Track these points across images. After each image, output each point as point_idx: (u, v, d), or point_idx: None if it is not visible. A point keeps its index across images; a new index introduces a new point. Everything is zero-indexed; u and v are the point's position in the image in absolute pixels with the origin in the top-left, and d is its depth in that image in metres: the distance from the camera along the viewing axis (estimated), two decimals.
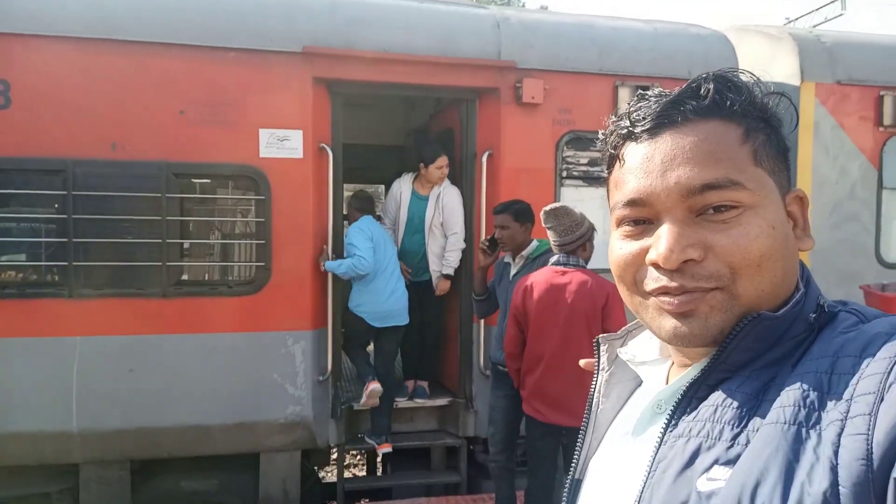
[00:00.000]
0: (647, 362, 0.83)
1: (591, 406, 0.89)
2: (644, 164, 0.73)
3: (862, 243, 4.96)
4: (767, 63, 5.24)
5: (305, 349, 4.22)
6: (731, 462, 0.63)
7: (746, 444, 0.64)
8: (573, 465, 0.88)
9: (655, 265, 0.72)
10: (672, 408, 0.73)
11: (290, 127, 4.20)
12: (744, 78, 0.75)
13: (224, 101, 4.08)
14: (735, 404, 0.67)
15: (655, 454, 0.72)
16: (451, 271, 4.67)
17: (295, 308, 4.21)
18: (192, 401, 4.05)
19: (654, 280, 0.72)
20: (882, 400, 0.57)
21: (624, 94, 4.71)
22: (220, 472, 4.33)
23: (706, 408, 0.69)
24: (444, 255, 4.66)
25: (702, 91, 0.73)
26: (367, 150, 6.99)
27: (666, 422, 0.73)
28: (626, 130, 0.76)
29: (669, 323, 0.72)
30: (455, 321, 4.84)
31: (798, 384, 0.63)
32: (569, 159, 4.70)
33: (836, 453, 0.57)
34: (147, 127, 3.99)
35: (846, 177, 4.94)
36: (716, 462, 0.65)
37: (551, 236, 3.27)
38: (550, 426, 3.17)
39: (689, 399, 0.72)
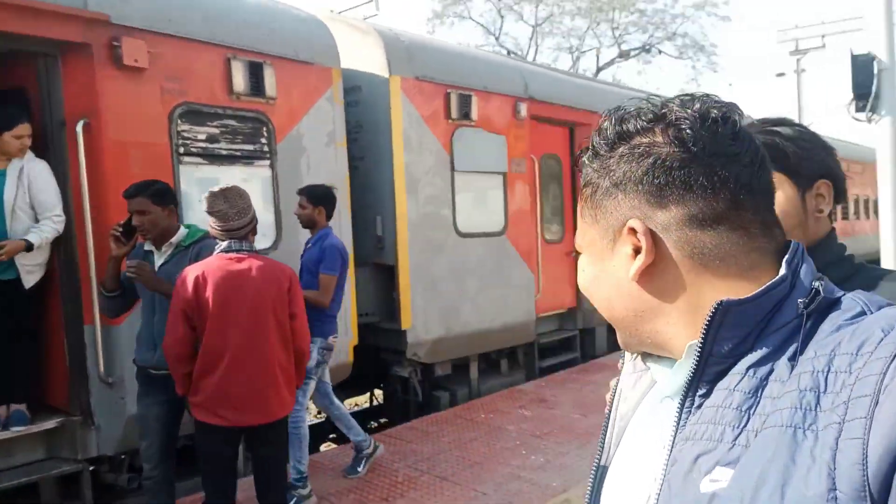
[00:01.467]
0: (661, 358, 0.83)
1: (616, 395, 0.91)
2: None
3: (443, 217, 5.89)
4: (358, 54, 5.68)
5: None
6: (732, 463, 0.65)
7: (746, 445, 0.65)
8: (598, 451, 0.90)
9: None
10: (678, 408, 0.74)
11: None
12: (608, 128, 0.79)
13: None
14: (734, 404, 0.68)
15: (669, 456, 0.73)
16: (36, 240, 3.65)
17: None
18: None
19: None
20: (878, 403, 0.57)
21: (237, 67, 4.49)
22: None
23: (708, 409, 0.71)
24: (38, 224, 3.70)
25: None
26: None
27: (675, 422, 0.74)
28: None
29: None
30: (56, 325, 3.95)
31: (795, 385, 0.64)
32: (185, 134, 4.27)
33: (833, 458, 0.58)
34: None
35: (428, 161, 5.77)
36: (717, 463, 0.66)
37: (218, 221, 2.93)
38: (234, 429, 2.90)
39: (692, 397, 0.73)
